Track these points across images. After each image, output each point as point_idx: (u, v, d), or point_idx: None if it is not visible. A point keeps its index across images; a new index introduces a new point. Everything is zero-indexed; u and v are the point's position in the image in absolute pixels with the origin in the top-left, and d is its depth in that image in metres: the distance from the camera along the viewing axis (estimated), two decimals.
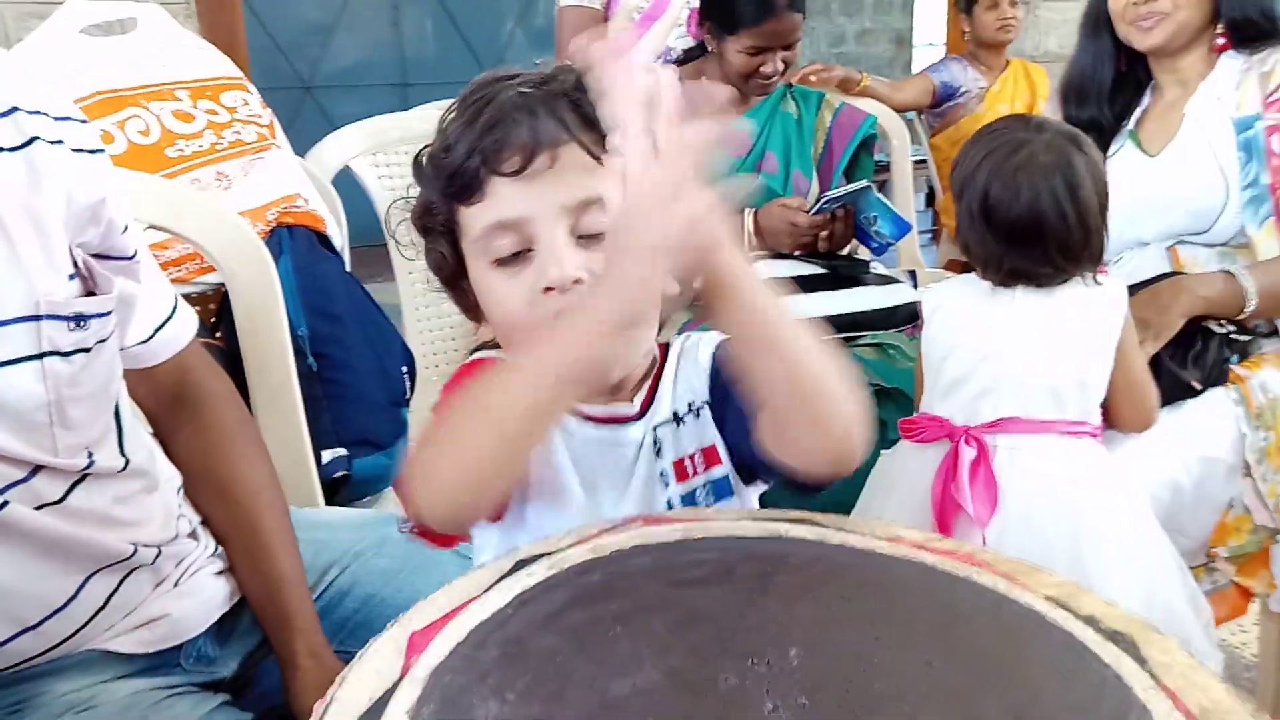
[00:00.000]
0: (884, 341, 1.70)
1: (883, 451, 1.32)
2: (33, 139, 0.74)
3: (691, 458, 0.77)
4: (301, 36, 5.37)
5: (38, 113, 0.76)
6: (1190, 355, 1.39)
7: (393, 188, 1.81)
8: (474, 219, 0.71)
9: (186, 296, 1.32)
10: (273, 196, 1.45)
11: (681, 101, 0.59)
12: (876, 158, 2.09)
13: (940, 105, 2.94)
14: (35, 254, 0.73)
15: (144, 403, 0.94)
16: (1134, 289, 1.43)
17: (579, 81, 0.71)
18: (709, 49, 1.90)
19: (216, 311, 1.37)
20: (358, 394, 1.42)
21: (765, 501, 0.81)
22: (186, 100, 1.48)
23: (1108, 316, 1.23)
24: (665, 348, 0.81)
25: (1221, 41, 1.54)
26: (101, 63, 1.46)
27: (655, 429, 0.76)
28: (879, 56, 6.35)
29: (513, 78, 0.72)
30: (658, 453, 0.76)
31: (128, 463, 0.83)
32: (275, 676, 0.91)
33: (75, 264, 0.77)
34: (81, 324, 0.75)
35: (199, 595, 0.90)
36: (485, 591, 0.53)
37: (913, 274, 2.06)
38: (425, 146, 0.75)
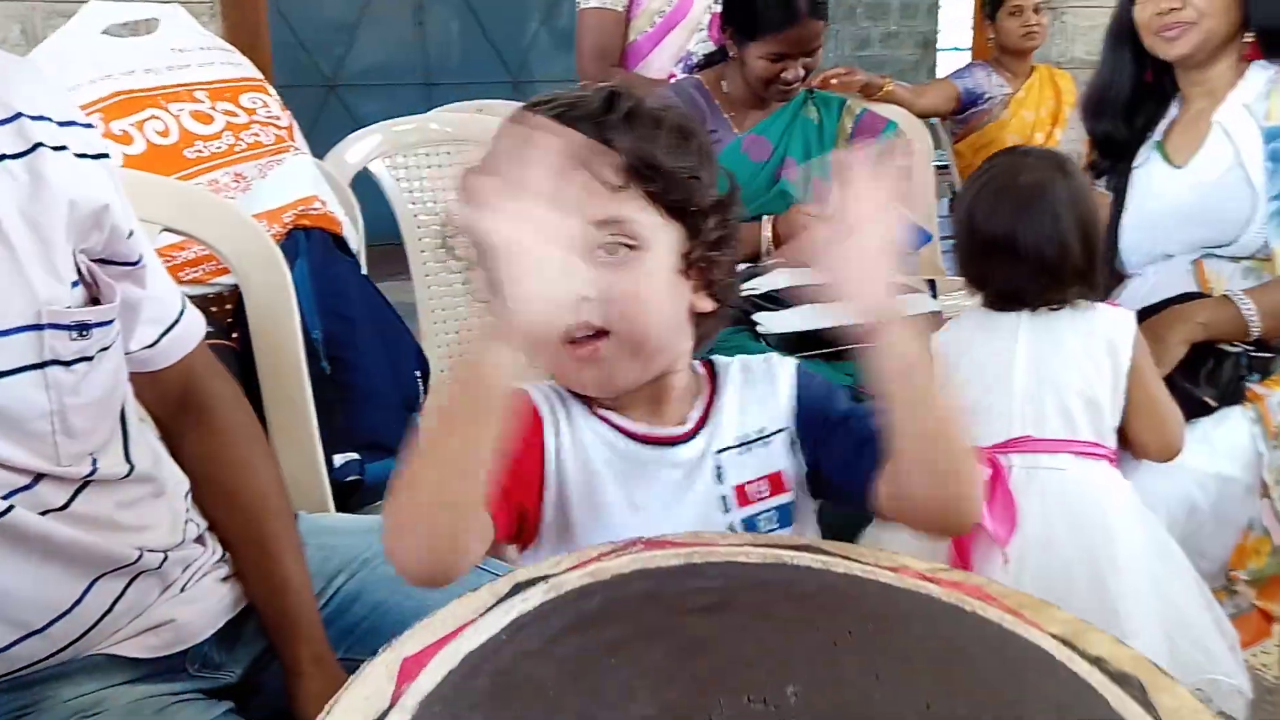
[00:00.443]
0: None
1: None
2: (36, 145, 0.74)
3: (755, 484, 0.78)
4: (326, 34, 5.39)
5: (41, 118, 0.75)
6: (1203, 373, 1.37)
7: (410, 189, 1.81)
8: None
9: (203, 297, 1.33)
10: (290, 199, 1.46)
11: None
12: (900, 164, 2.06)
13: (964, 111, 2.91)
14: (37, 262, 0.72)
15: (150, 406, 0.94)
16: (1156, 307, 1.41)
17: (606, 103, 0.74)
18: (730, 54, 1.89)
19: (233, 313, 1.38)
20: (371, 397, 1.42)
21: None
22: (206, 101, 1.49)
23: (1114, 337, 1.22)
24: (711, 368, 0.82)
25: (1250, 50, 1.52)
26: (122, 63, 1.47)
27: (718, 454, 0.78)
28: (904, 60, 6.30)
29: (547, 102, 0.75)
30: (719, 477, 0.78)
31: (132, 468, 0.83)
32: (281, 682, 0.91)
33: (79, 270, 0.77)
34: (84, 333, 0.75)
35: (205, 601, 0.90)
36: (481, 616, 0.53)
37: (932, 283, 2.03)
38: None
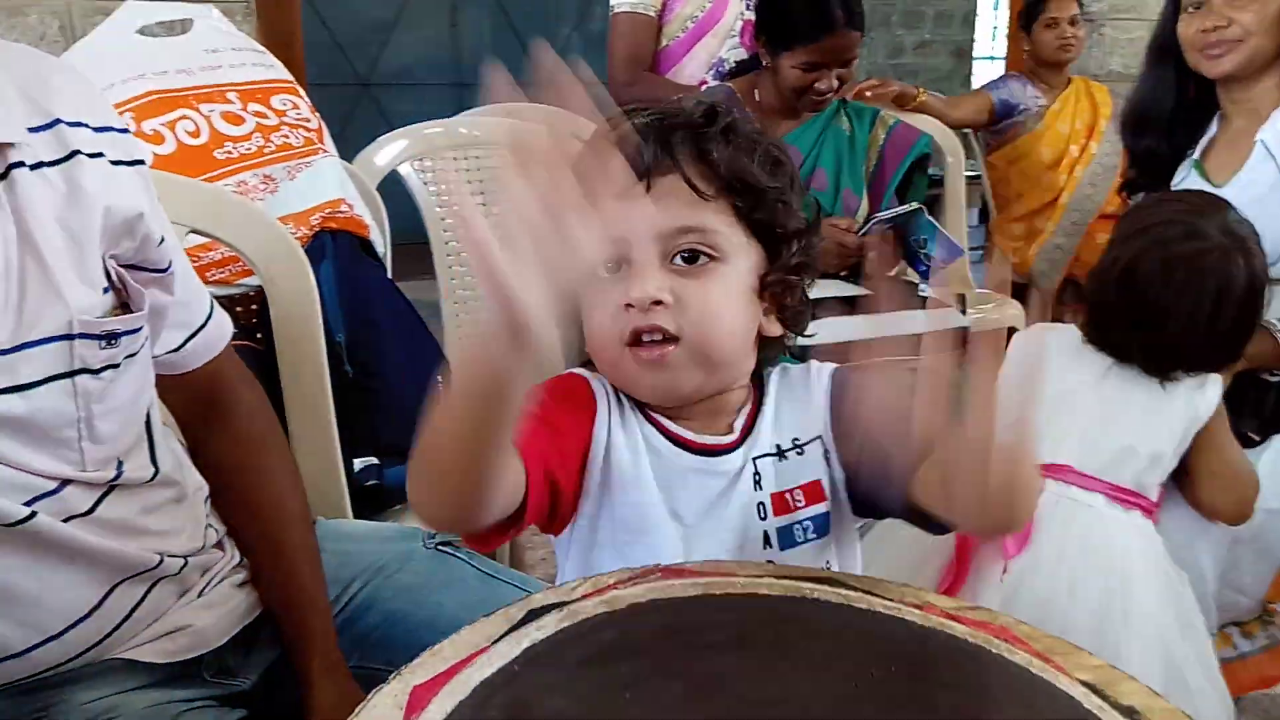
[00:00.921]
0: None
1: None
2: (74, 153, 0.74)
3: (791, 492, 0.78)
4: (361, 34, 5.43)
5: (79, 124, 0.76)
6: (1245, 405, 1.34)
7: (437, 192, 1.81)
8: None
9: (229, 298, 1.33)
10: (317, 201, 1.46)
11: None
12: (930, 172, 2.05)
13: (998, 123, 2.87)
14: (71, 270, 0.73)
15: (174, 409, 0.94)
16: None
17: (707, 116, 0.75)
18: (763, 63, 1.87)
19: (257, 314, 1.38)
20: (393, 402, 1.42)
21: None
22: (237, 103, 1.49)
23: (1199, 406, 1.19)
24: (762, 381, 0.82)
25: None
26: (156, 63, 1.47)
27: (755, 460, 0.78)
28: (938, 69, 6.26)
29: (645, 108, 0.77)
30: (757, 484, 0.77)
31: (157, 472, 0.83)
32: (295, 691, 0.91)
33: (108, 276, 0.77)
34: (113, 342, 0.75)
35: (222, 606, 0.90)
36: (493, 644, 0.51)
37: (962, 298, 2.01)
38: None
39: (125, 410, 0.79)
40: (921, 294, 1.83)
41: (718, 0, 2.19)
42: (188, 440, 0.94)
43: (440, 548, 1.02)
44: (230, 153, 1.43)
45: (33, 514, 0.72)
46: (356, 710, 0.47)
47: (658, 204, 0.72)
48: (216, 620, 0.89)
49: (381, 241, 1.56)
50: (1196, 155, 1.59)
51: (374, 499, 1.39)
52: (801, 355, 1.55)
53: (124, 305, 0.79)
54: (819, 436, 0.79)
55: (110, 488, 0.78)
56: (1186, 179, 1.59)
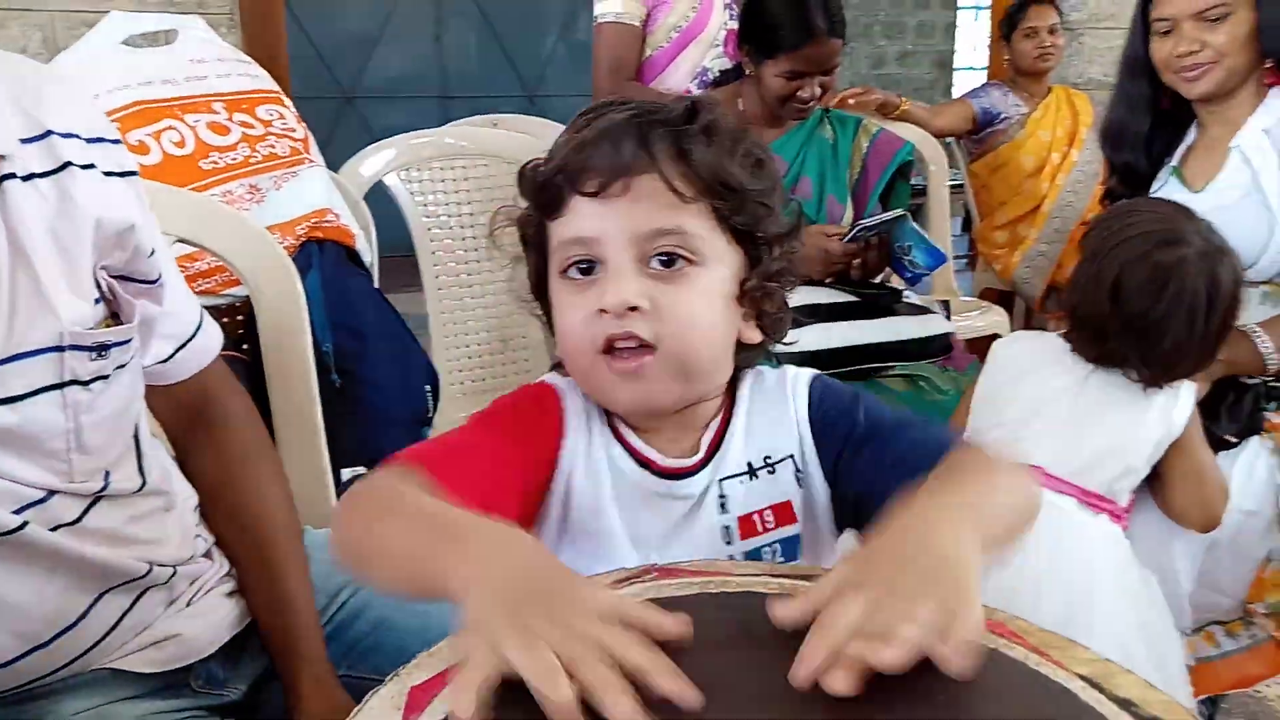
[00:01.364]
0: (915, 373, 1.67)
1: None
2: (65, 165, 0.73)
3: (760, 514, 0.75)
4: (345, 47, 5.42)
5: (70, 135, 0.75)
6: (1223, 408, 1.36)
7: (424, 202, 1.81)
8: (555, 233, 0.72)
9: (215, 308, 1.32)
10: (303, 211, 1.46)
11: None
12: (913, 181, 2.07)
13: (980, 131, 2.90)
14: (62, 282, 0.72)
15: (163, 419, 0.94)
16: None
17: (688, 113, 0.71)
18: (746, 71, 1.88)
19: (244, 324, 1.37)
20: (380, 411, 1.41)
21: None
22: (222, 113, 1.48)
23: (1174, 413, 1.21)
24: (734, 387, 0.78)
25: (1269, 76, 1.51)
26: (141, 74, 1.47)
27: (721, 482, 0.75)
28: (920, 79, 6.31)
29: (625, 104, 0.73)
30: (723, 507, 0.74)
31: (145, 482, 0.83)
32: (284, 700, 0.90)
33: (99, 287, 0.76)
34: (103, 353, 0.75)
35: (211, 616, 0.89)
36: None
37: (946, 304, 2.02)
38: (529, 160, 0.76)
39: (114, 421, 0.78)
40: (907, 299, 1.84)
41: (702, 10, 2.20)
42: (177, 450, 0.94)
43: None
44: (216, 163, 1.43)
45: (23, 524, 0.72)
46: (353, 713, 0.47)
47: (635, 205, 0.68)
48: (205, 629, 0.88)
49: (368, 251, 1.56)
50: (1175, 162, 1.60)
51: None
52: (794, 364, 1.56)
53: (114, 316, 0.78)
54: (791, 455, 0.76)
55: (97, 498, 0.78)
56: (1165, 185, 1.61)
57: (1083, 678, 0.48)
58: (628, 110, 0.71)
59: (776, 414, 0.77)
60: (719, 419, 0.77)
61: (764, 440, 0.76)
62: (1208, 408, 1.36)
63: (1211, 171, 1.54)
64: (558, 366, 0.79)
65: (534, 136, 2.02)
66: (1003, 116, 2.87)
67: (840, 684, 0.45)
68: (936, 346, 1.74)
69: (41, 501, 0.73)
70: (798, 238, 0.77)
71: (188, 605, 0.87)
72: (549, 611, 0.47)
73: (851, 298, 1.76)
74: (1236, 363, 1.38)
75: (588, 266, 0.70)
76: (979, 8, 6.42)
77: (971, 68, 6.39)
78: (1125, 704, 0.46)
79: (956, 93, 5.92)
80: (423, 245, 1.81)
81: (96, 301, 0.76)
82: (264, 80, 1.60)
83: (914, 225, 1.73)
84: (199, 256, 1.33)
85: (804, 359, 1.60)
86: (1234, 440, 1.36)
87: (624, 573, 0.60)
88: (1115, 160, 1.66)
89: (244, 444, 0.96)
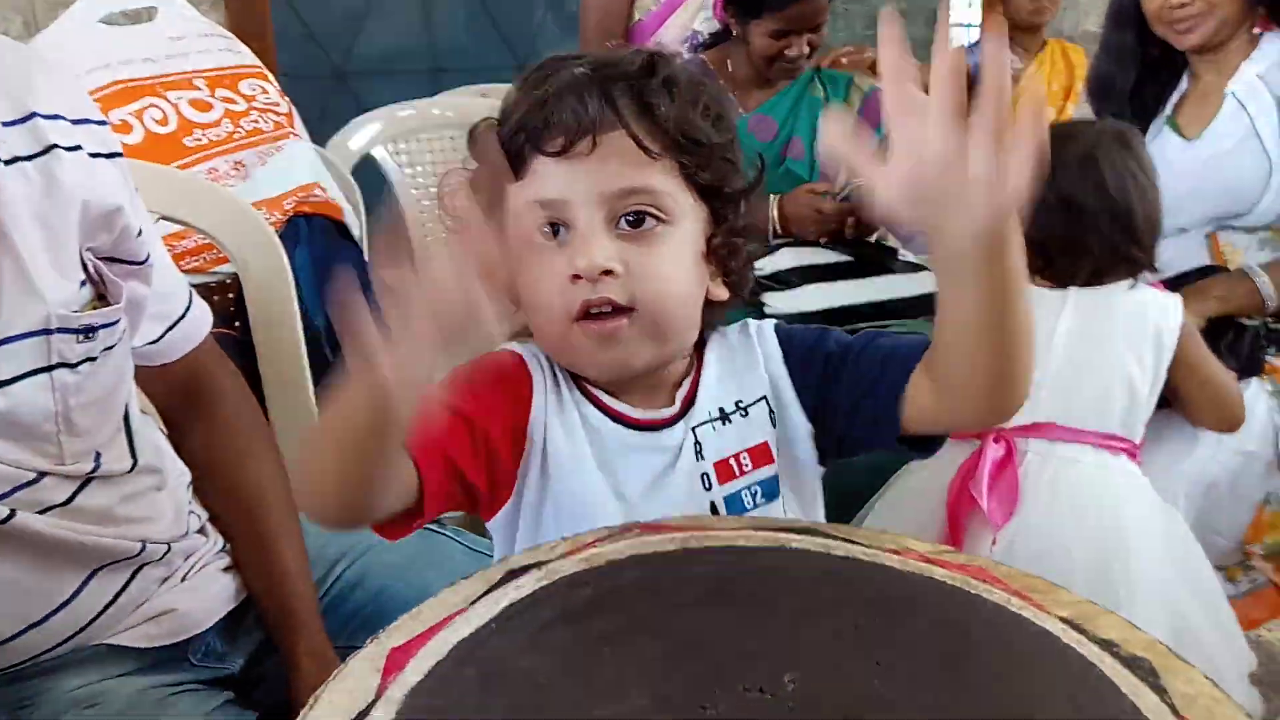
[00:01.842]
0: (911, 330, 1.66)
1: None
2: (50, 147, 0.73)
3: (736, 458, 0.74)
4: (334, 23, 5.37)
5: (55, 117, 0.74)
6: (1224, 345, 1.35)
7: (414, 174, 1.80)
8: (517, 195, 0.70)
9: (204, 286, 1.32)
10: (290, 186, 1.44)
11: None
12: None
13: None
14: (47, 265, 0.72)
15: (155, 398, 0.94)
16: (1172, 281, 1.39)
17: (648, 66, 0.69)
18: (734, 33, 1.86)
19: (234, 301, 1.37)
20: None
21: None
22: (205, 89, 1.47)
23: (1162, 327, 1.20)
24: (703, 346, 0.78)
25: (1261, 22, 1.49)
26: (121, 52, 1.46)
27: (695, 429, 0.74)
28: (915, 38, 6.21)
29: (579, 57, 0.71)
30: (699, 454, 0.74)
31: (136, 462, 0.82)
32: (281, 673, 0.91)
33: (85, 269, 0.76)
34: (91, 335, 0.75)
35: (207, 591, 0.89)
36: (472, 605, 0.51)
37: None
38: (481, 120, 0.74)
39: (103, 403, 0.78)
40: (902, 257, 1.83)
41: None
42: (169, 429, 0.94)
43: (427, 526, 1.02)
44: (200, 139, 1.42)
45: (12, 512, 0.72)
46: (333, 675, 0.47)
47: (602, 164, 0.66)
48: (201, 604, 0.88)
49: (357, 224, 1.55)
50: (1168, 111, 1.59)
51: None
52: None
53: (101, 298, 0.78)
54: (764, 396, 0.75)
55: (88, 479, 0.78)
56: (1159, 135, 1.59)
57: (1064, 620, 0.48)
58: (585, 64, 0.69)
59: (745, 361, 0.76)
60: (690, 377, 0.77)
61: (734, 386, 0.76)
62: (1208, 345, 1.36)
63: (1206, 119, 1.52)
64: (518, 335, 0.77)
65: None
66: None
67: None
68: (932, 304, 1.72)
69: (32, 483, 0.73)
70: (759, 191, 0.76)
71: (183, 581, 0.88)
72: None
73: (846, 257, 1.75)
74: (1236, 301, 1.37)
75: (553, 229, 0.68)
76: None
77: (969, 24, 6.32)
78: (1106, 644, 0.46)
79: None
80: (414, 217, 1.79)
81: (83, 284, 0.75)
82: (245, 55, 1.58)
83: None
84: (186, 235, 1.32)
85: (800, 319, 1.60)
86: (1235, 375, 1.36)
87: (607, 530, 0.60)
88: (1103, 112, 1.64)
89: (236, 420, 0.95)
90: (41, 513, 0.74)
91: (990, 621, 0.48)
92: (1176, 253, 1.52)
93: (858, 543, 0.56)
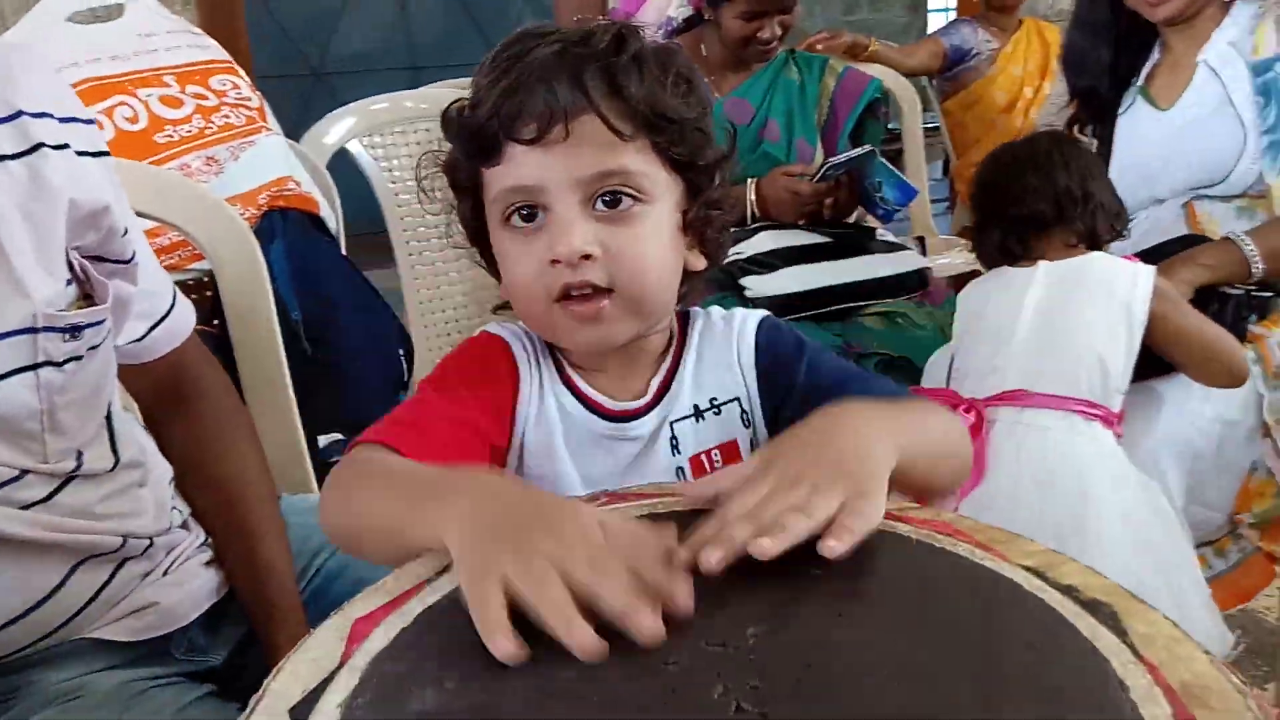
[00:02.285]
0: (891, 309, 1.67)
1: None
2: (37, 145, 0.72)
3: (709, 454, 0.75)
4: (309, 23, 5.35)
5: (43, 115, 0.74)
6: (1209, 313, 1.36)
7: (389, 168, 1.79)
8: (492, 181, 0.71)
9: (181, 284, 1.31)
10: (264, 180, 1.44)
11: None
12: (889, 126, 2.04)
13: (951, 69, 2.87)
14: (33, 264, 0.71)
15: (139, 396, 0.94)
16: (1150, 253, 1.40)
17: (615, 43, 0.69)
18: (705, 17, 1.86)
19: (212, 299, 1.36)
20: (354, 377, 1.41)
21: None
22: (174, 85, 1.46)
23: (1131, 300, 1.21)
24: (684, 332, 0.79)
25: None
26: (88, 50, 1.45)
27: (673, 424, 0.75)
28: (893, 23, 6.25)
29: (548, 34, 0.70)
30: (675, 448, 0.75)
31: (118, 461, 0.82)
32: (265, 665, 0.90)
33: (71, 268, 0.76)
34: (76, 334, 0.75)
35: (189, 584, 0.89)
36: (438, 576, 0.51)
37: (921, 240, 2.01)
38: (454, 101, 0.74)
39: (87, 401, 0.78)
40: (880, 237, 1.83)
41: None
42: (152, 426, 0.94)
43: None
44: (171, 136, 1.41)
45: None
46: (296, 646, 0.47)
47: (576, 149, 0.67)
48: (184, 598, 0.88)
49: (333, 218, 1.54)
50: (1141, 81, 1.59)
51: None
52: (768, 308, 1.56)
53: (87, 297, 0.77)
54: (737, 398, 0.76)
55: (70, 477, 0.77)
56: (1133, 106, 1.59)
57: (1027, 568, 0.48)
58: (553, 44, 0.69)
59: (722, 357, 0.77)
60: (669, 362, 0.77)
61: (710, 383, 0.77)
62: None
63: (1179, 88, 1.53)
64: (502, 307, 0.78)
65: None
66: (974, 53, 2.85)
67: (711, 561, 0.47)
68: (912, 282, 1.73)
69: (13, 481, 0.73)
70: (732, 160, 0.76)
71: (165, 575, 0.88)
72: (538, 528, 0.48)
73: (824, 239, 1.75)
74: (1223, 268, 1.38)
75: (530, 213, 0.69)
76: None
77: (945, 9, 6.32)
78: (1068, 590, 0.46)
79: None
80: (391, 211, 1.79)
81: (69, 283, 0.75)
82: (215, 51, 1.57)
83: (883, 161, 1.71)
84: (161, 232, 1.32)
85: (780, 302, 1.61)
86: None
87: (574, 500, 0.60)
88: (1077, 85, 1.64)
89: (218, 415, 0.96)
90: (22, 509, 0.74)
91: (953, 571, 0.49)
92: (1153, 224, 1.53)
93: None
